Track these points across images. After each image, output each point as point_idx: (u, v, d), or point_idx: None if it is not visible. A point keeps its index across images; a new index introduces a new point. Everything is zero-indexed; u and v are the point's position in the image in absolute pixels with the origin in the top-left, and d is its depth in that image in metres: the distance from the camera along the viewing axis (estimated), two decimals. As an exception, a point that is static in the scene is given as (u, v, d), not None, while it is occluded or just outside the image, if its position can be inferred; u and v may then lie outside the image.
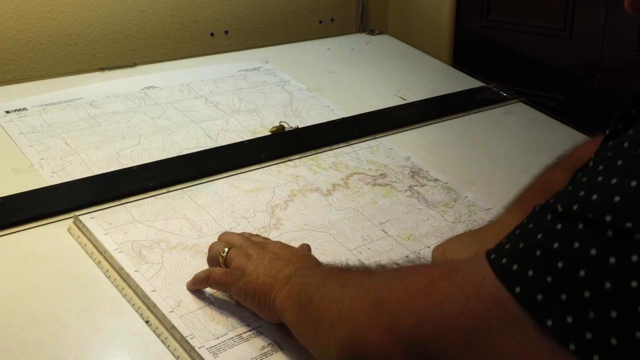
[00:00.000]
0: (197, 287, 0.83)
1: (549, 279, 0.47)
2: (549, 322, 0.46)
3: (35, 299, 0.82)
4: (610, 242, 0.45)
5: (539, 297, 0.47)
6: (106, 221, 0.94)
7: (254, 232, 0.95)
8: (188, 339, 0.76)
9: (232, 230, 0.95)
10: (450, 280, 0.54)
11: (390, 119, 1.35)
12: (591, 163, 0.51)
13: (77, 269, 0.87)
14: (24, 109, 1.23)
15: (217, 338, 0.77)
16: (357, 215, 1.02)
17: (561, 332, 0.46)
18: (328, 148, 1.20)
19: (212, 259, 0.84)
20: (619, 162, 0.48)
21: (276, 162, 1.14)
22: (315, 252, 0.93)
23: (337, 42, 1.74)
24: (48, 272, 0.86)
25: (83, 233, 0.93)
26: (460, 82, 1.56)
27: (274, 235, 0.95)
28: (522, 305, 0.48)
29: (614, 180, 0.47)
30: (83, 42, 1.56)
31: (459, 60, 1.85)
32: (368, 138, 1.26)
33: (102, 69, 1.43)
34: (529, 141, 1.32)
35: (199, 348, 0.75)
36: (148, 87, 1.37)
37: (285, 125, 1.27)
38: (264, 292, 0.75)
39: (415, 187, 1.11)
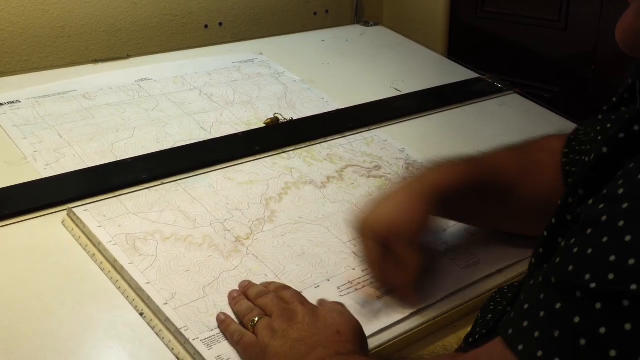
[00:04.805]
0: (224, 334, 0.78)
1: None
2: None
3: (28, 292, 0.81)
4: None
5: None
6: (100, 213, 0.94)
7: (249, 225, 0.95)
8: (182, 331, 0.76)
9: (229, 223, 0.95)
10: None
11: (384, 111, 1.35)
12: (604, 217, 0.46)
13: (71, 261, 0.87)
14: (17, 101, 1.23)
15: (211, 330, 0.77)
16: (351, 207, 1.02)
17: None
18: (322, 140, 1.20)
19: (243, 323, 0.79)
20: None
21: (270, 154, 1.14)
22: (310, 245, 0.93)
23: (332, 34, 1.74)
24: (42, 265, 0.86)
25: (77, 225, 0.93)
26: (455, 73, 1.56)
27: (268, 228, 0.95)
28: None
29: None
30: (76, 34, 1.55)
31: (454, 51, 1.85)
32: (363, 130, 1.26)
33: (95, 61, 1.43)
34: (523, 132, 1.30)
35: (193, 340, 0.75)
36: (142, 79, 1.36)
37: (280, 117, 1.26)
38: None
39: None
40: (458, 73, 1.56)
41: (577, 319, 0.44)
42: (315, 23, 1.94)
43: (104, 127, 1.18)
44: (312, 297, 0.81)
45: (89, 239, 0.90)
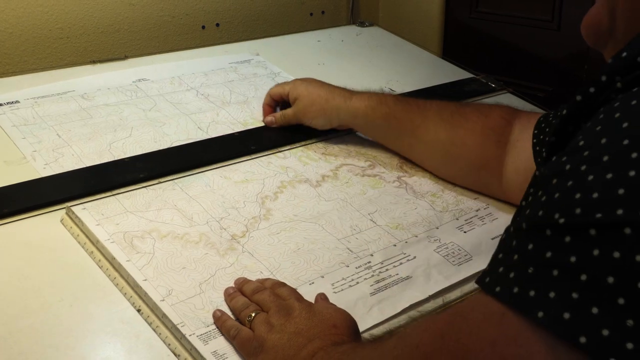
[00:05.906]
0: (220, 330, 0.79)
1: (574, 295, 0.43)
2: (582, 339, 0.43)
3: (28, 288, 0.83)
4: (631, 239, 0.42)
5: (566, 315, 0.44)
6: (98, 212, 0.96)
7: (244, 223, 0.97)
8: (179, 327, 0.77)
9: (225, 221, 0.96)
10: (463, 330, 0.51)
11: (379, 111, 1.36)
12: (567, 166, 0.48)
13: (69, 259, 0.89)
14: (17, 101, 1.24)
15: (207, 326, 0.78)
16: (345, 205, 1.04)
17: (598, 346, 0.42)
18: (317, 139, 1.21)
19: (240, 319, 0.80)
20: (606, 158, 0.45)
21: (266, 153, 1.15)
22: (305, 242, 0.94)
23: (328, 34, 1.75)
24: (41, 263, 0.87)
25: (75, 224, 0.94)
26: (450, 73, 1.58)
27: (263, 226, 0.97)
28: (549, 328, 0.44)
29: (609, 175, 0.44)
30: (75, 35, 1.56)
31: (449, 51, 1.86)
32: (357, 129, 1.27)
33: (93, 62, 1.44)
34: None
35: (190, 336, 0.77)
36: (139, 80, 1.38)
37: (276, 117, 1.28)
38: None
39: (403, 178, 1.12)
40: (452, 73, 1.58)
41: (549, 254, 0.46)
42: (311, 24, 1.96)
43: (102, 127, 1.19)
44: (307, 293, 0.83)
45: (87, 237, 0.92)
